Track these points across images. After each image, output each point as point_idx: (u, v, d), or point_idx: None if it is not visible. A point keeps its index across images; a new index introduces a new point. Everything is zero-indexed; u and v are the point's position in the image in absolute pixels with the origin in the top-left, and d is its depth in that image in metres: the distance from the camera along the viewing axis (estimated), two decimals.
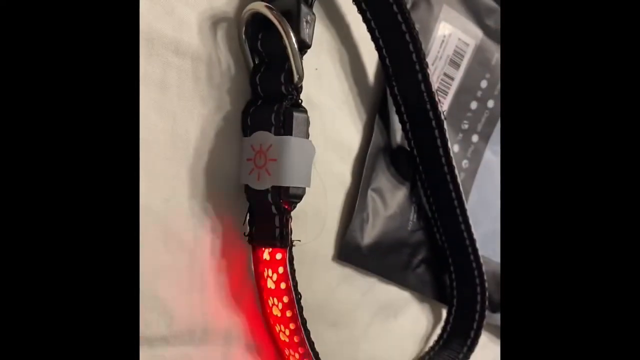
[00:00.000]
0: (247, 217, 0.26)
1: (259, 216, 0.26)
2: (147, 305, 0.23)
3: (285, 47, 0.23)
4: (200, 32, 0.24)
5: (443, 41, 0.36)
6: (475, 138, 0.40)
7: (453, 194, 0.34)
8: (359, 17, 0.29)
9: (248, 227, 0.26)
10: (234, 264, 0.26)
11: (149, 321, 0.23)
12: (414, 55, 0.30)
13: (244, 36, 0.25)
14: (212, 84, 0.25)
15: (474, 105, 0.39)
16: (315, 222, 0.30)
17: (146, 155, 0.23)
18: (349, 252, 0.32)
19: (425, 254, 0.36)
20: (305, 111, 0.25)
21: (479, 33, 0.38)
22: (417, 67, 0.30)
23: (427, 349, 0.37)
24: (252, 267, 0.26)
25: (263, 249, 0.26)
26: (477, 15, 0.38)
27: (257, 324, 0.27)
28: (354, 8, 0.29)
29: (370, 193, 0.33)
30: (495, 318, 0.41)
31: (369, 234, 0.33)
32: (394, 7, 0.28)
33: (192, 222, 0.24)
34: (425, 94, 0.31)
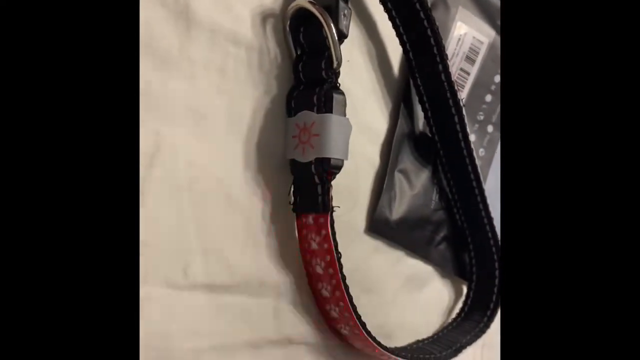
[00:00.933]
0: (292, 189, 0.30)
1: (303, 186, 0.29)
2: (212, 257, 0.27)
3: (326, 37, 0.27)
4: (253, 26, 0.28)
5: (459, 39, 0.40)
6: (490, 128, 0.44)
7: (472, 175, 0.38)
8: (385, 16, 0.33)
9: (292, 198, 0.30)
10: (281, 229, 0.30)
11: (214, 271, 0.27)
12: (435, 49, 0.34)
13: (288, 29, 0.29)
14: (262, 70, 0.29)
15: (488, 98, 0.43)
16: (349, 198, 0.33)
17: (211, 129, 0.27)
18: (379, 226, 0.35)
19: (446, 232, 0.40)
20: (343, 93, 0.28)
21: (491, 32, 0.42)
22: (438, 59, 0.34)
23: (450, 320, 0.40)
24: (297, 233, 0.30)
25: (307, 215, 0.29)
26: (489, 16, 0.42)
27: (302, 283, 0.30)
28: (380, 7, 0.33)
29: (396, 174, 0.36)
30: None
31: (397, 210, 0.36)
32: (417, 5, 0.32)
33: (247, 190, 0.28)
34: (445, 84, 0.35)
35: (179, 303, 0.25)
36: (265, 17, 0.29)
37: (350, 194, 0.34)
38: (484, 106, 0.43)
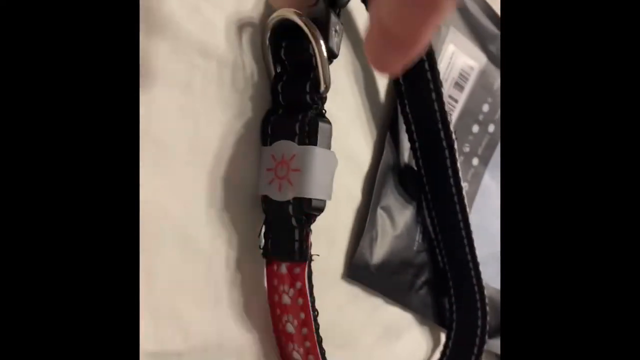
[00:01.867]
0: (263, 229, 0.25)
1: (277, 229, 0.25)
2: (164, 318, 0.21)
3: (313, 55, 0.23)
4: (227, 36, 0.23)
5: (449, 63, 0.37)
6: (475, 161, 0.40)
7: (459, 215, 0.34)
8: None
9: (262, 241, 0.25)
10: (247, 278, 0.25)
11: (165, 336, 0.22)
12: (428, 74, 0.30)
13: (267, 42, 0.24)
14: (235, 89, 0.24)
15: (475, 128, 0.39)
16: (326, 238, 0.29)
17: (167, 158, 0.22)
18: (359, 271, 0.31)
19: (428, 276, 0.36)
20: (329, 122, 0.24)
21: (482, 58, 0.39)
22: (432, 85, 0.30)
23: None
24: (265, 282, 0.25)
25: (280, 262, 0.25)
26: (481, 40, 0.38)
27: (268, 345, 0.26)
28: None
29: (379, 211, 0.32)
30: (493, 345, 0.41)
31: (378, 253, 0.32)
32: None
33: (210, 231, 0.23)
34: (437, 113, 0.31)
35: None
36: (241, 26, 0.24)
37: (328, 232, 0.29)
38: (471, 137, 0.39)
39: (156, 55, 0.21)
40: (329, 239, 0.29)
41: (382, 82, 0.32)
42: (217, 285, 0.24)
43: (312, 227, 0.25)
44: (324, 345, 0.25)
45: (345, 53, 0.30)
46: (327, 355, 0.25)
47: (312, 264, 0.25)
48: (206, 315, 0.23)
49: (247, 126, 0.24)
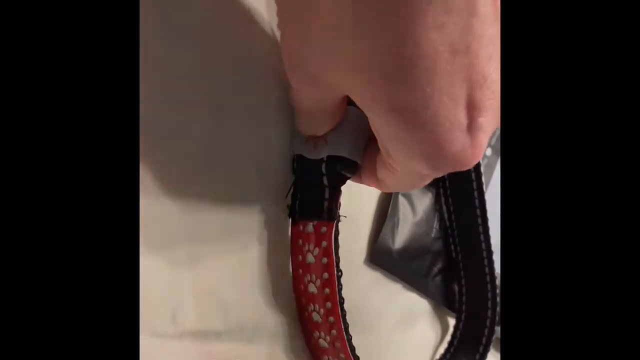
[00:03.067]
0: (292, 190, 0.25)
1: (307, 188, 0.24)
2: (205, 299, 0.21)
3: None
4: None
5: None
6: (488, 151, 0.40)
7: (477, 201, 0.35)
8: None
9: (290, 201, 0.25)
10: (277, 252, 0.25)
11: (206, 316, 0.21)
12: None
13: None
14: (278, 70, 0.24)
15: None
16: (351, 223, 0.29)
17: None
18: (381, 256, 0.31)
19: (443, 263, 0.36)
20: None
21: None
22: None
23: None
24: (290, 244, 0.25)
25: (307, 222, 0.24)
26: None
27: (296, 324, 0.26)
28: None
29: (400, 198, 0.32)
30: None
31: (399, 239, 0.32)
32: None
33: (244, 209, 0.23)
34: None
35: (166, 355, 0.20)
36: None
37: (352, 218, 0.29)
38: None
39: None
40: (353, 225, 0.29)
41: None
42: (251, 265, 0.24)
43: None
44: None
45: None
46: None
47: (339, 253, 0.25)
48: (243, 297, 0.23)
49: (277, 100, 0.24)
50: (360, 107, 0.18)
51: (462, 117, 0.16)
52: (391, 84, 0.16)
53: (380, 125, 0.18)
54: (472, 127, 0.16)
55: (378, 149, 0.21)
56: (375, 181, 0.23)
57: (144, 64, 0.18)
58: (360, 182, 0.25)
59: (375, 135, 0.19)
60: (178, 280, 0.20)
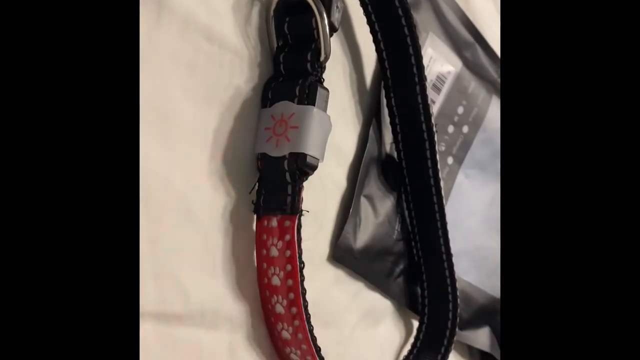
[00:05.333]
0: (256, 187, 0.26)
1: (271, 184, 0.26)
2: (167, 282, 0.22)
3: (315, 28, 0.25)
4: (231, 21, 0.25)
5: (428, 66, 0.39)
6: (450, 160, 0.42)
7: (436, 206, 0.36)
8: (366, 29, 0.31)
9: (255, 197, 0.26)
10: (241, 244, 0.26)
11: (167, 299, 0.22)
12: (414, 68, 0.32)
13: (272, 17, 0.26)
14: (234, 72, 0.25)
15: (450, 129, 0.42)
16: (314, 222, 0.30)
17: (174, 133, 0.23)
18: (343, 254, 0.32)
19: (405, 265, 0.38)
20: (327, 89, 0.26)
21: (458, 63, 0.41)
22: (417, 79, 0.32)
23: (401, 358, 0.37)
24: (255, 239, 0.26)
25: (271, 216, 0.26)
26: (457, 46, 0.41)
27: (257, 313, 0.27)
28: (363, 19, 0.30)
29: (362, 199, 0.34)
30: (463, 335, 0.42)
31: (361, 239, 0.33)
32: (402, 21, 0.30)
33: (208, 199, 0.25)
34: (421, 106, 0.33)
35: None
36: (247, 6, 0.25)
37: (316, 217, 0.31)
38: (446, 137, 0.42)
39: (166, 36, 0.22)
40: (317, 223, 0.31)
41: (368, 76, 0.34)
42: (214, 253, 0.25)
43: (304, 212, 0.26)
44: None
45: (335, 47, 0.31)
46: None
47: (301, 246, 0.26)
48: (204, 283, 0.24)
49: (246, 103, 0.26)
50: None
51: None
52: None
53: None
54: None
55: None
56: None
57: None
58: None
59: None
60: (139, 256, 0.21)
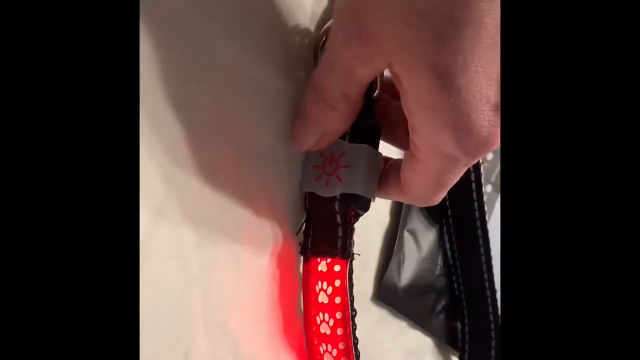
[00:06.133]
0: (303, 227, 0.25)
1: (320, 226, 0.24)
2: (217, 336, 0.21)
3: None
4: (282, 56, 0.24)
5: None
6: (489, 188, 0.41)
7: (480, 239, 0.35)
8: None
9: (303, 238, 0.25)
10: (288, 289, 0.25)
11: (218, 353, 0.21)
12: None
13: (320, 53, 0.25)
14: (287, 98, 0.24)
15: (489, 156, 0.40)
16: (359, 259, 0.29)
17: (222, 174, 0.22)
18: (387, 293, 0.31)
19: (447, 301, 0.36)
20: (378, 125, 0.24)
21: None
22: None
23: None
24: (302, 282, 0.25)
25: (319, 260, 0.24)
26: None
27: None
28: None
29: (406, 234, 0.32)
30: None
31: (405, 276, 0.32)
32: None
33: (257, 244, 0.23)
34: None
35: None
36: (295, 37, 0.24)
37: (361, 254, 0.29)
38: (485, 164, 0.40)
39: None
40: (362, 261, 0.29)
41: None
42: (262, 301, 0.23)
43: None
44: None
45: None
46: None
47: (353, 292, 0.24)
48: (254, 335, 0.23)
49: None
50: (400, 69, 0.18)
51: (492, 94, 0.17)
52: (437, 41, 0.16)
53: (417, 87, 0.18)
54: (499, 106, 0.17)
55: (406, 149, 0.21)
56: (398, 186, 0.23)
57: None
58: (384, 195, 0.24)
59: (405, 109, 0.19)
60: (190, 317, 0.20)
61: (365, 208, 0.24)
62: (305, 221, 0.25)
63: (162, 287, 0.19)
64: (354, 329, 0.24)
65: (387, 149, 0.25)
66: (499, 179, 0.41)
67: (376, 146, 0.24)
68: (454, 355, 0.37)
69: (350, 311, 0.24)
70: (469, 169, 0.32)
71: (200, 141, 0.21)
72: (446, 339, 0.36)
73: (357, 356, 0.24)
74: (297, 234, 0.25)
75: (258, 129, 0.23)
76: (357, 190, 0.23)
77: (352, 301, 0.24)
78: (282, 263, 0.24)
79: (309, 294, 0.24)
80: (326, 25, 0.24)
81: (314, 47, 0.25)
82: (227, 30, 0.21)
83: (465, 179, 0.33)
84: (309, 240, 0.25)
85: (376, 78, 0.24)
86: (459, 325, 0.37)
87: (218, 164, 0.21)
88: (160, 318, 0.19)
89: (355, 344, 0.24)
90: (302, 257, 0.25)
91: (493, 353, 0.37)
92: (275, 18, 0.23)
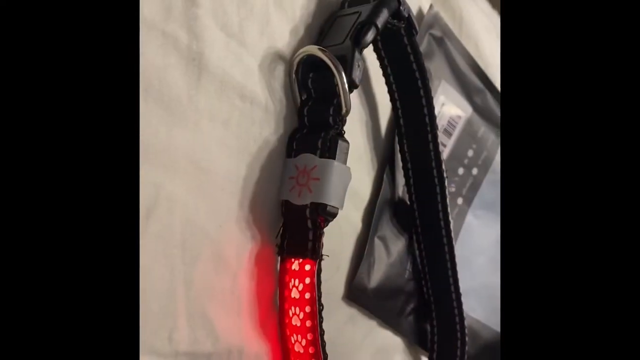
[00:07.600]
0: (280, 232, 0.28)
1: (294, 230, 0.28)
2: (199, 322, 0.24)
3: (336, 85, 0.27)
4: (261, 79, 0.27)
5: (440, 112, 0.41)
6: (460, 201, 0.44)
7: (446, 247, 0.38)
8: (381, 80, 0.33)
9: (279, 241, 0.28)
10: (266, 286, 0.28)
11: (199, 337, 0.24)
12: (427, 118, 0.34)
13: (294, 75, 0.28)
14: (263, 126, 0.27)
15: (460, 170, 0.44)
16: (332, 262, 0.32)
17: (209, 184, 0.25)
18: (357, 293, 0.34)
19: (415, 303, 0.39)
20: (347, 141, 0.28)
21: (469, 108, 0.43)
22: (429, 128, 0.34)
23: None
24: (278, 280, 0.28)
25: (293, 259, 0.27)
26: (468, 92, 0.43)
27: (279, 351, 0.28)
28: (379, 71, 0.33)
29: (376, 240, 0.35)
30: None
31: (374, 278, 0.35)
32: (416, 74, 0.32)
33: (236, 244, 0.26)
34: (432, 153, 0.35)
35: None
36: (273, 64, 0.28)
37: (334, 258, 0.32)
38: (456, 178, 0.43)
39: (205, 96, 0.24)
40: (334, 264, 0.32)
41: (383, 125, 0.36)
42: (240, 296, 0.26)
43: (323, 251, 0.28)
44: None
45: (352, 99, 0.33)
46: None
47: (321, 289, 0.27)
48: (232, 323, 0.26)
49: (272, 154, 0.28)
50: None
51: None
52: None
53: None
54: None
55: None
56: None
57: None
58: None
59: None
60: (174, 302, 0.23)
61: (333, 215, 0.27)
62: (281, 226, 0.28)
63: (150, 279, 0.22)
64: (321, 322, 0.27)
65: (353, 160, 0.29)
66: (469, 193, 0.44)
67: (344, 161, 0.27)
68: (424, 355, 0.40)
69: (318, 305, 0.27)
70: (435, 183, 0.36)
71: (197, 145, 0.24)
72: (415, 339, 0.39)
73: (324, 346, 0.27)
74: (276, 236, 0.28)
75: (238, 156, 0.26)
76: (326, 199, 0.26)
77: (319, 297, 0.27)
78: (261, 262, 0.28)
79: (284, 290, 0.28)
80: (299, 52, 0.27)
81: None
82: None
83: (431, 192, 0.36)
84: (284, 242, 0.28)
85: (344, 99, 0.27)
86: (429, 327, 0.40)
87: (205, 173, 0.25)
88: (148, 305, 0.22)
89: (322, 334, 0.27)
90: (278, 258, 0.28)
91: (459, 352, 0.40)
92: None
